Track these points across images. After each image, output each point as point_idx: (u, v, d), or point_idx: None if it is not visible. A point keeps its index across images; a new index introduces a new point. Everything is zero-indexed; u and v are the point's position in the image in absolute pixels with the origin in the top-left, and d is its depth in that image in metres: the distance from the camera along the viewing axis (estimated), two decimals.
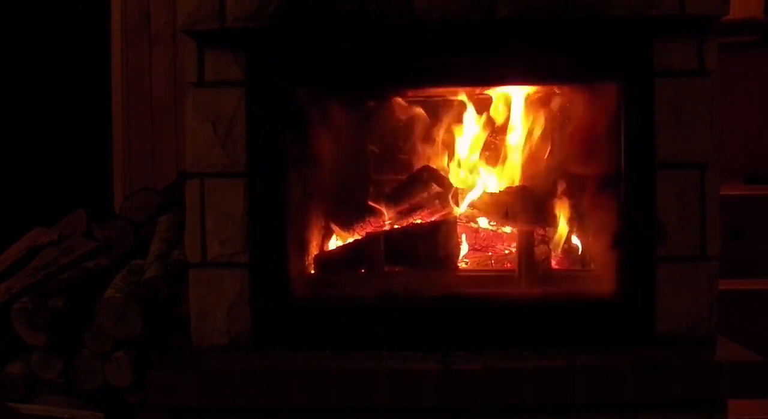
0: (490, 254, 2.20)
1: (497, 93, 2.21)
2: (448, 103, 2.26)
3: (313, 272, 2.11)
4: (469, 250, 2.20)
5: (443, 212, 2.20)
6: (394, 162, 2.34)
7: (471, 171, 2.28)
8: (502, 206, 2.17)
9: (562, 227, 2.15)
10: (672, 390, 1.78)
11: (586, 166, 2.06)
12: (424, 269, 2.07)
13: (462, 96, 2.22)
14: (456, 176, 2.27)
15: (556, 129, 2.19)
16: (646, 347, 1.89)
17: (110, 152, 3.31)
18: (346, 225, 2.24)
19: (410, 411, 1.82)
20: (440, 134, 2.28)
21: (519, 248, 2.04)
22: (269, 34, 1.91)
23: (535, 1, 1.83)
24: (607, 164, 1.97)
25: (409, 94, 2.27)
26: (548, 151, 2.20)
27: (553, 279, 2.04)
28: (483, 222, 2.24)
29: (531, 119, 2.21)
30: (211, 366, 1.85)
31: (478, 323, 1.94)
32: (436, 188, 2.24)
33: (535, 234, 2.09)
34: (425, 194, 2.23)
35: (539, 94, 2.19)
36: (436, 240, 2.09)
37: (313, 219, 2.14)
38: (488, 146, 2.28)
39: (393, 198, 2.24)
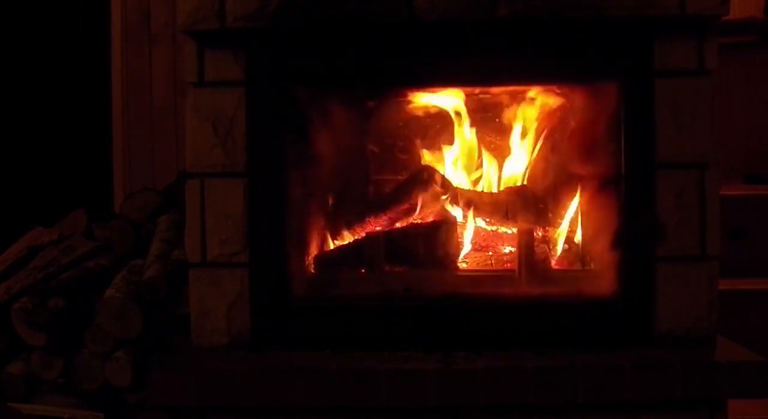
0: (490, 254, 2.20)
1: (497, 93, 2.21)
2: (447, 104, 2.26)
3: (313, 272, 2.11)
4: (469, 250, 2.20)
5: (443, 212, 2.20)
6: (394, 162, 2.34)
7: (471, 171, 2.28)
8: (502, 206, 2.17)
9: (562, 227, 2.15)
10: (672, 390, 1.78)
11: (586, 166, 2.06)
12: (424, 269, 2.08)
13: (461, 96, 2.22)
14: (456, 176, 2.27)
15: (556, 129, 2.19)
16: (646, 347, 1.89)
17: (110, 151, 3.31)
18: (346, 225, 2.23)
19: (411, 411, 1.82)
20: (440, 135, 2.28)
21: (519, 248, 2.04)
22: (269, 34, 1.91)
23: (535, 1, 1.84)
24: (607, 164, 1.97)
25: (409, 94, 2.27)
26: (548, 151, 2.20)
27: (553, 279, 2.04)
28: (482, 222, 2.24)
29: (531, 119, 2.21)
30: (211, 366, 1.85)
31: (478, 323, 1.94)
32: (436, 188, 2.24)
33: (534, 234, 2.09)
34: (425, 194, 2.23)
35: (539, 94, 2.19)
36: (436, 240, 2.09)
37: (313, 219, 2.14)
38: (488, 146, 2.28)
39: (393, 198, 2.24)
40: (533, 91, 2.18)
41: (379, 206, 2.24)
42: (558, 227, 2.16)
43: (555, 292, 1.98)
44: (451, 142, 2.27)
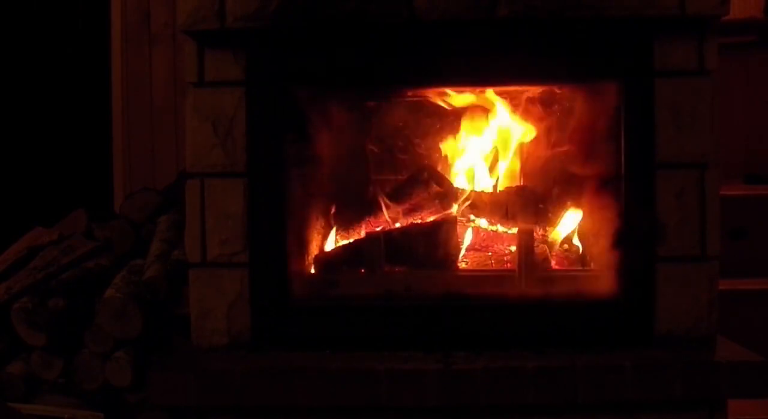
0: (490, 254, 2.20)
1: (497, 93, 2.21)
2: (447, 104, 2.26)
3: (313, 272, 2.11)
4: (469, 250, 2.20)
5: (443, 212, 2.20)
6: (394, 162, 2.34)
7: (471, 171, 2.28)
8: (502, 206, 2.17)
9: (563, 227, 2.15)
10: (672, 390, 1.78)
11: (586, 166, 2.06)
12: (424, 269, 2.08)
13: (462, 96, 2.22)
14: (456, 176, 2.27)
15: (556, 129, 2.19)
16: (646, 347, 1.89)
17: (110, 152, 3.31)
18: (347, 225, 2.24)
19: (411, 411, 1.82)
20: (440, 135, 2.28)
21: (519, 248, 2.04)
22: (269, 34, 1.91)
23: (535, 1, 1.84)
24: (607, 164, 1.97)
25: (409, 94, 2.27)
26: (548, 151, 2.20)
27: (553, 279, 2.04)
28: (483, 222, 2.24)
29: (531, 119, 2.21)
30: (211, 366, 1.85)
31: (478, 323, 1.94)
32: (436, 188, 2.24)
33: (535, 234, 2.09)
34: (425, 194, 2.23)
35: (539, 95, 2.19)
36: (436, 240, 2.09)
37: (313, 219, 2.14)
38: (488, 146, 2.28)
39: (393, 198, 2.24)
40: (533, 91, 2.18)
41: (379, 206, 2.24)
42: (558, 227, 2.16)
43: (555, 292, 1.98)
44: (450, 141, 2.28)
